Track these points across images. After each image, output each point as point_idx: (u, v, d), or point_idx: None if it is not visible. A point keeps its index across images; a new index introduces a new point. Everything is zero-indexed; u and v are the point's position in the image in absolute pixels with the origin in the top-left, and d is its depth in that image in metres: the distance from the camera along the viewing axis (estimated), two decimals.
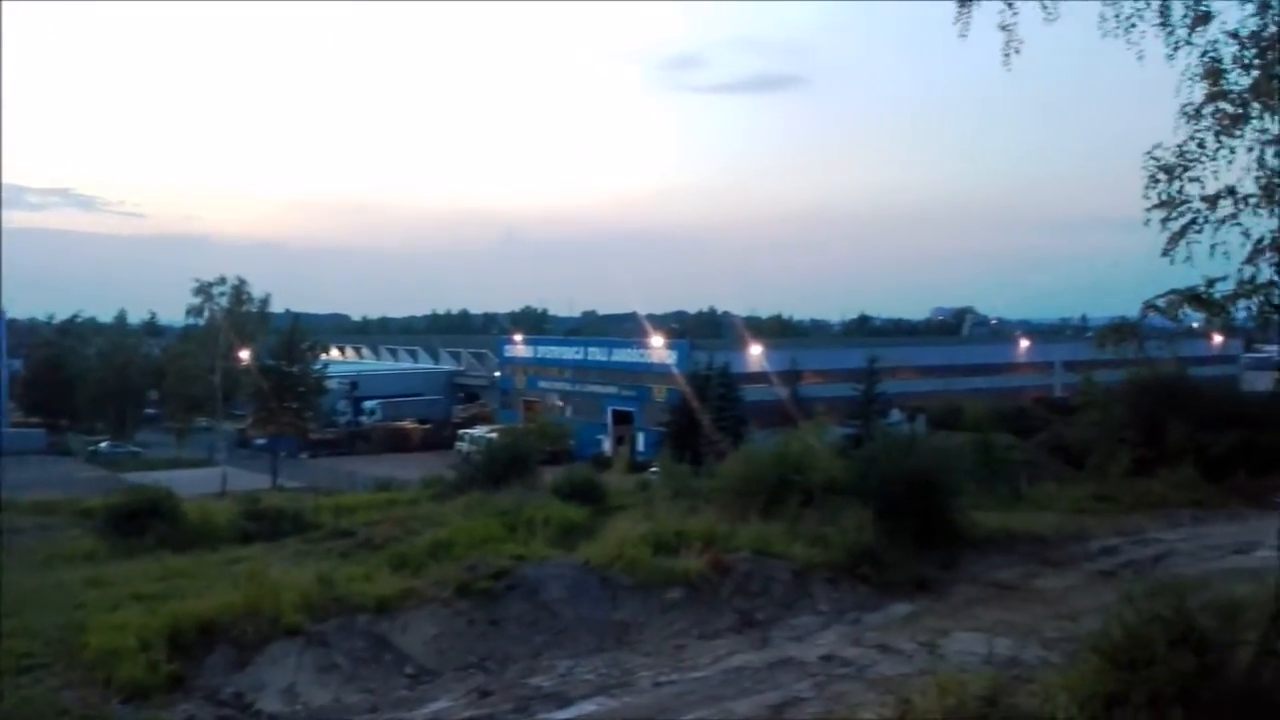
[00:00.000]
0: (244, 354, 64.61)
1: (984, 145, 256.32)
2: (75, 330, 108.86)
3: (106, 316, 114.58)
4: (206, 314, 66.75)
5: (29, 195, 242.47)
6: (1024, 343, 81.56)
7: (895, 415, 55.15)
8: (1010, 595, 19.67)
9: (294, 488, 49.46)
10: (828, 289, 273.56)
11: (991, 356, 78.10)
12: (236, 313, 65.92)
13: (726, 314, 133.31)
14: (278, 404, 61.50)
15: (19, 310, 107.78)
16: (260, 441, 66.35)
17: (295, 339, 63.58)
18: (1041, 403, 59.18)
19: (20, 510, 36.53)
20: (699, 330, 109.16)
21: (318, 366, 65.50)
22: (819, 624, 17.81)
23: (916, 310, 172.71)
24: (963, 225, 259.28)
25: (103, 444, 74.05)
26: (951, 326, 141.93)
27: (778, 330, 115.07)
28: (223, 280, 66.21)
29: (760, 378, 59.75)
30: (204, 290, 65.91)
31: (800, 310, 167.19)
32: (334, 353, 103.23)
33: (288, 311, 80.00)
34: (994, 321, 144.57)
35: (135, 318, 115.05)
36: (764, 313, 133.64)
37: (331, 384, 72.52)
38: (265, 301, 67.70)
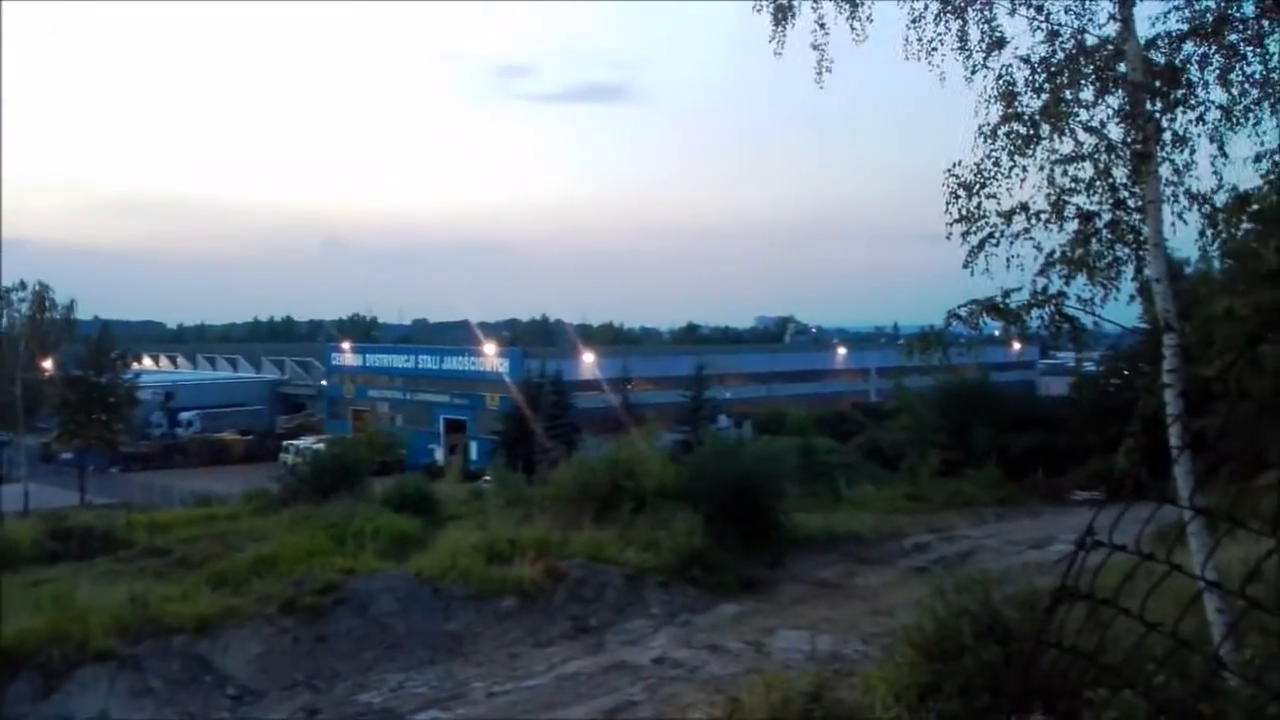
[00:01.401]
0: (47, 364, 60.65)
1: (806, 160, 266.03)
2: None
3: None
4: (4, 321, 62.42)
5: None
6: (841, 350, 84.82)
7: (723, 420, 56.37)
8: (832, 593, 20.40)
9: (104, 504, 46.61)
10: (657, 298, 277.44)
11: (812, 363, 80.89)
12: (38, 319, 61.77)
13: (558, 322, 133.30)
14: (85, 416, 57.92)
15: None
16: (67, 456, 62.14)
17: (103, 347, 60.05)
18: (858, 407, 61.68)
19: None
20: (531, 338, 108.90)
21: (129, 376, 62.01)
22: (651, 627, 18.01)
23: (742, 319, 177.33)
24: (785, 237, 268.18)
25: None
26: (774, 334, 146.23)
27: (609, 338, 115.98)
28: (22, 285, 61.97)
29: (592, 385, 60.05)
30: (2, 297, 61.66)
31: (631, 319, 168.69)
32: (147, 362, 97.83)
33: (96, 319, 75.33)
34: (814, 330, 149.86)
35: None
36: (595, 321, 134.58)
37: (145, 394, 68.72)
38: (71, 308, 63.65)
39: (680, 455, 27.93)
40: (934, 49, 10.46)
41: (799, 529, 23.17)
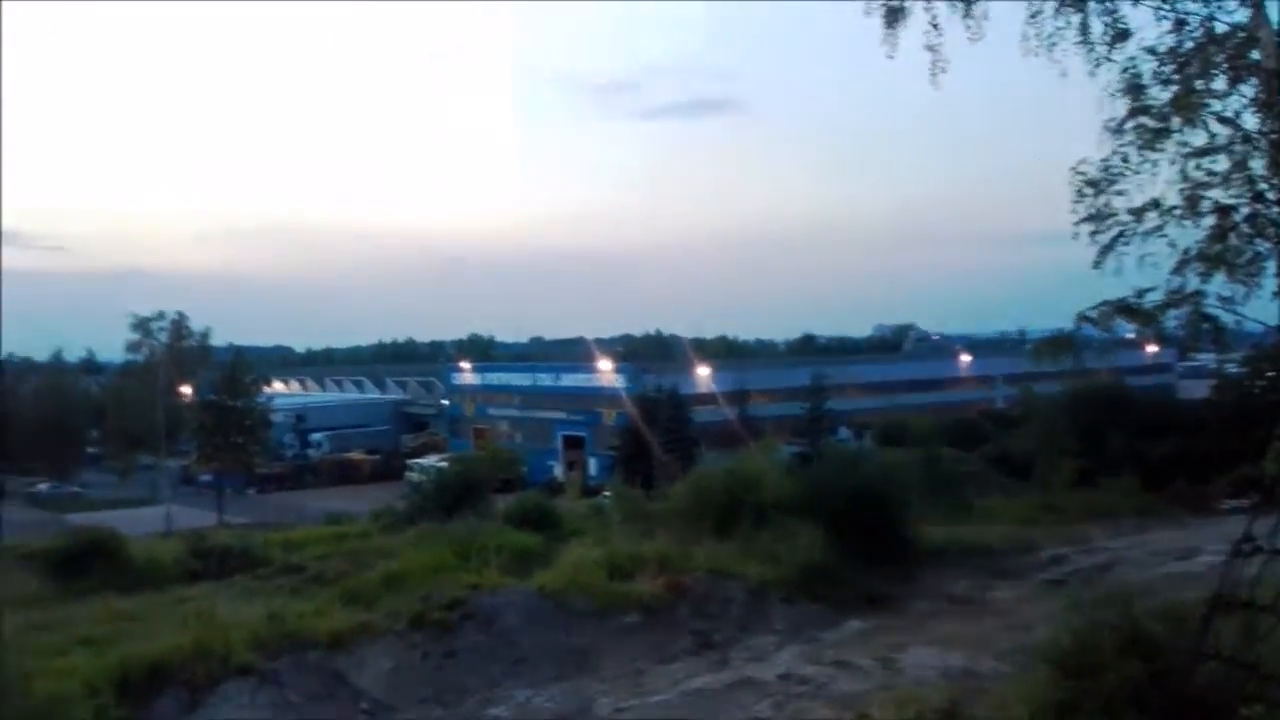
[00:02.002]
0: (186, 389, 63.71)
1: (921, 162, 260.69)
2: (9, 370, 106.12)
3: (42, 355, 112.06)
4: (146, 350, 65.89)
5: None
6: (965, 357, 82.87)
7: (843, 432, 55.69)
8: (963, 608, 19.87)
9: (241, 524, 48.64)
10: (772, 309, 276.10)
11: (934, 372, 79.29)
12: (177, 348, 65.19)
13: (673, 336, 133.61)
14: (222, 439, 60.67)
15: None
16: (205, 478, 65.25)
17: (238, 373, 62.81)
18: (984, 416, 60.08)
19: None
20: (646, 353, 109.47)
21: (262, 400, 64.75)
22: (776, 643, 17.84)
23: (859, 328, 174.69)
24: (902, 242, 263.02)
25: (42, 486, 72.24)
26: (893, 343, 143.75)
27: (724, 351, 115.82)
28: (161, 315, 65.69)
29: (708, 399, 60.03)
30: (142, 325, 65.24)
31: (745, 331, 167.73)
32: (278, 385, 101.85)
33: (230, 345, 78.93)
34: (935, 337, 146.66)
35: (72, 356, 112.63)
36: (709, 334, 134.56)
37: (277, 417, 71.62)
38: (206, 335, 67.12)
39: (800, 468, 27.67)
40: (1054, 43, 10.19)
41: (926, 542, 22.65)
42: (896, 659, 15.98)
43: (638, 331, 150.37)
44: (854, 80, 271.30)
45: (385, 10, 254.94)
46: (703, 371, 63.97)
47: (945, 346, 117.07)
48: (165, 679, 14.50)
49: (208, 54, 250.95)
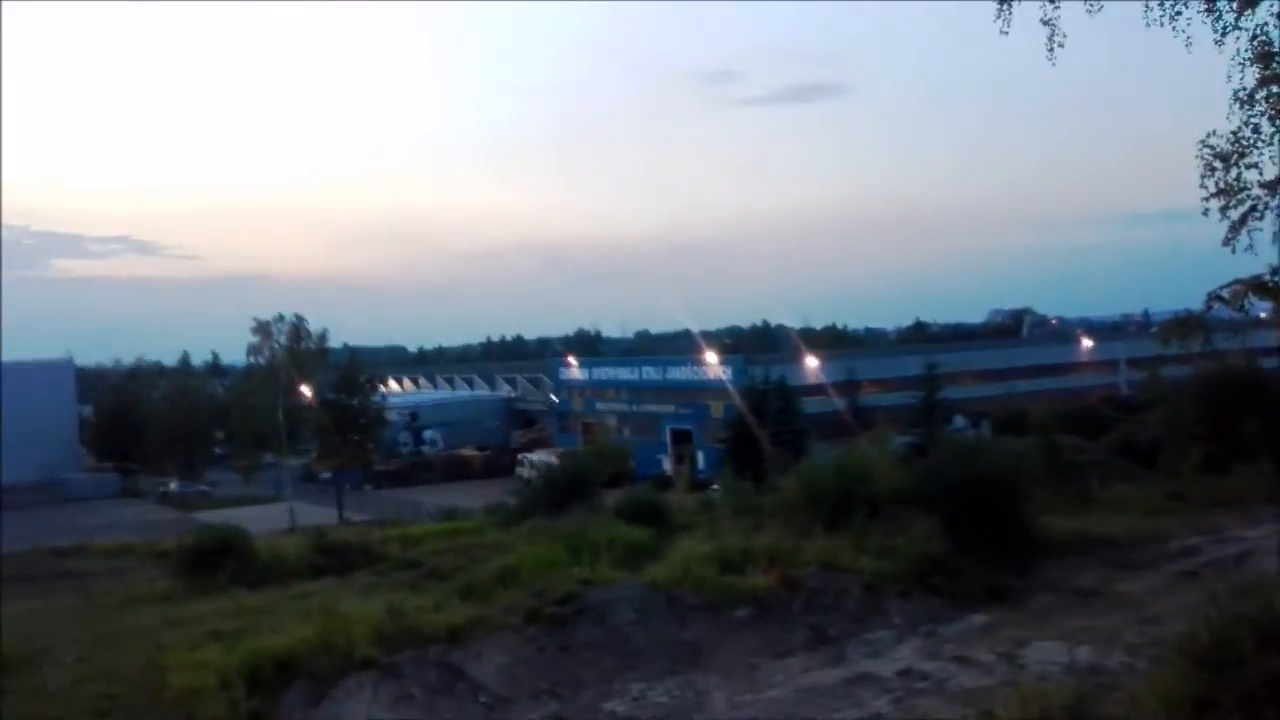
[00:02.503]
0: (305, 389, 65.81)
1: (1033, 142, 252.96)
2: (141, 374, 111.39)
3: (170, 359, 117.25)
4: (267, 352, 68.35)
5: (89, 244, 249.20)
6: (1086, 341, 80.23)
7: (958, 421, 54.50)
8: (1089, 601, 19.23)
9: (360, 520, 50.12)
10: (881, 297, 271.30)
11: (1053, 357, 76.94)
12: (296, 350, 67.35)
13: (780, 327, 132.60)
14: (340, 437, 62.49)
15: (86, 357, 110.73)
16: (325, 475, 67.40)
17: (354, 372, 64.58)
18: (1108, 402, 58.06)
19: (95, 554, 37.45)
20: (753, 345, 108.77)
21: (377, 399, 66.43)
22: (893, 638, 17.54)
23: (973, 313, 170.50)
24: (1015, 225, 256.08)
25: (173, 485, 75.68)
26: (1010, 328, 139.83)
27: (832, 341, 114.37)
28: (280, 318, 67.95)
29: (818, 390, 59.40)
30: (263, 329, 67.66)
31: (854, 319, 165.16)
32: (392, 384, 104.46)
33: (345, 346, 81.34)
34: (1054, 321, 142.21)
35: (198, 359, 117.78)
36: (817, 324, 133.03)
37: (392, 415, 73.49)
38: (323, 337, 69.12)
39: (914, 458, 27.17)
40: (1178, 12, 9.75)
41: (1049, 533, 21.98)
42: (1019, 654, 15.55)
43: (744, 323, 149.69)
44: (960, 60, 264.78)
45: (485, 5, 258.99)
46: (811, 362, 63.32)
47: (1064, 331, 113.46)
48: (292, 672, 15.01)
49: (329, 65, 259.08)
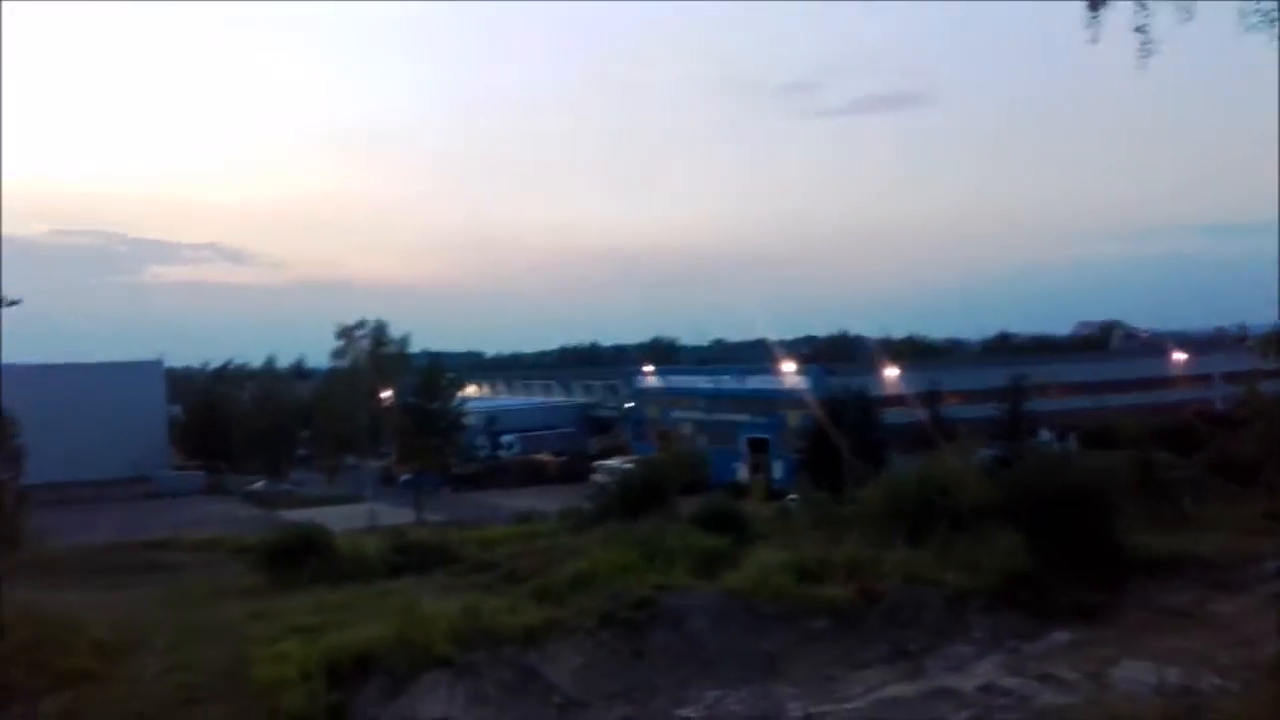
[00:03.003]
0: (386, 393, 66.93)
1: (1123, 149, 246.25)
2: (228, 376, 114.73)
3: (257, 362, 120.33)
4: (349, 356, 69.51)
5: (181, 250, 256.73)
6: (1178, 355, 77.82)
7: (1044, 435, 53.27)
8: (1180, 621, 18.65)
9: (438, 521, 50.70)
10: (964, 307, 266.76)
11: (1144, 370, 74.78)
12: (378, 354, 68.44)
13: (858, 337, 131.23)
14: (420, 440, 63.31)
15: (176, 359, 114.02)
16: (405, 477, 68.42)
17: (434, 377, 65.39)
18: (1201, 417, 56.15)
19: (183, 548, 38.52)
20: (831, 354, 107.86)
21: (456, 403, 67.13)
22: (974, 653, 17.23)
23: (1059, 325, 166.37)
24: (1102, 236, 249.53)
25: (258, 483, 77.59)
26: (1098, 341, 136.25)
27: (913, 351, 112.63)
28: (363, 323, 68.93)
29: (898, 400, 58.56)
30: (346, 333, 68.76)
31: (936, 330, 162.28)
32: (470, 389, 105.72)
33: (425, 351, 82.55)
34: (1144, 334, 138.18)
35: (284, 362, 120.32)
36: (897, 334, 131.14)
37: (470, 420, 74.26)
38: (404, 342, 70.05)
39: (998, 471, 26.63)
40: (1277, 17, 9.39)
41: (1140, 551, 21.37)
42: (1106, 673, 15.14)
43: (822, 332, 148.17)
44: (1045, 67, 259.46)
45: (564, 12, 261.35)
46: (891, 372, 62.49)
47: (1155, 344, 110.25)
48: (371, 667, 15.30)
49: (408, 76, 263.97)
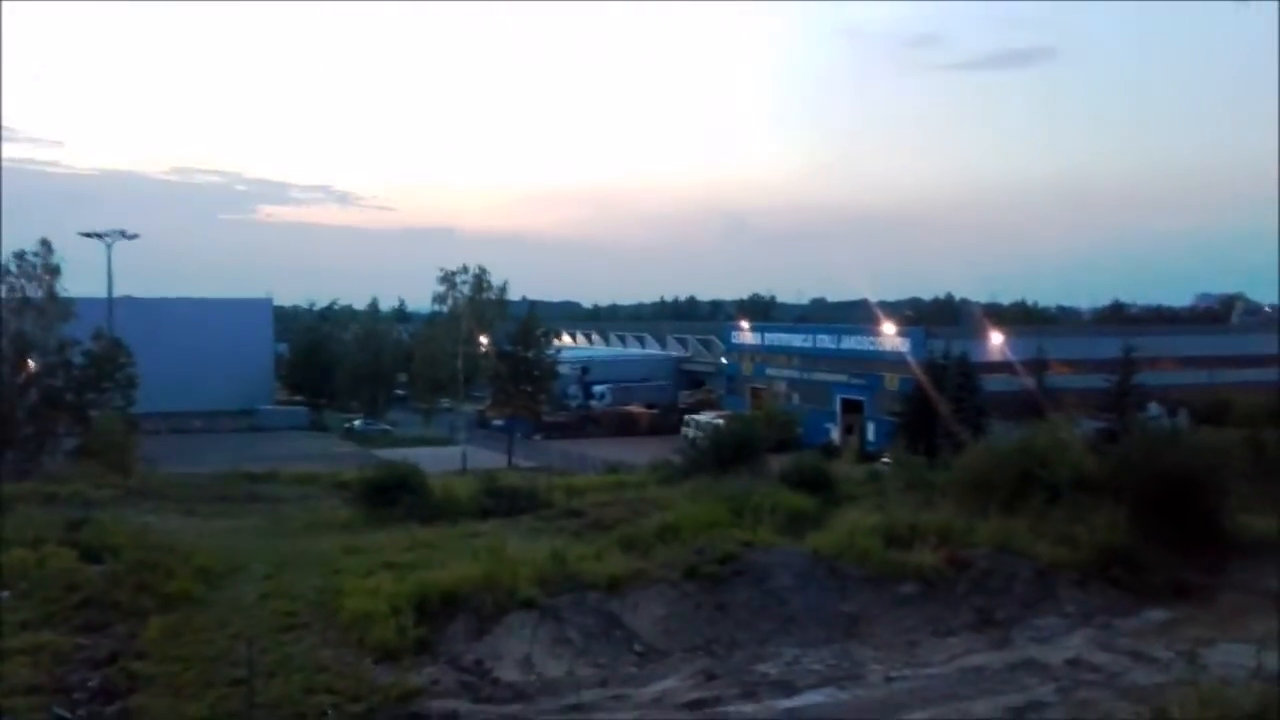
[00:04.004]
0: (484, 339, 68.02)
1: (1253, 113, 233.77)
2: (333, 317, 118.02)
3: (360, 304, 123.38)
4: (450, 301, 70.67)
5: (293, 191, 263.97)
6: None
7: (1153, 409, 51.58)
8: None
9: (528, 467, 51.72)
10: (1077, 274, 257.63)
11: (1266, 347, 71.57)
12: (477, 300, 69.43)
13: (964, 301, 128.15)
14: (514, 387, 64.35)
15: (284, 298, 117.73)
16: (497, 422, 69.67)
17: (531, 325, 66.22)
18: None
19: (284, 481, 40.05)
20: (934, 318, 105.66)
21: (551, 352, 67.92)
22: (1064, 626, 16.95)
23: (1178, 296, 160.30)
24: (1229, 203, 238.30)
25: (357, 422, 79.94)
26: (1218, 314, 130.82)
27: (1021, 318, 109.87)
28: (465, 270, 69.88)
29: (1002, 367, 57.26)
30: (448, 279, 69.86)
31: (1046, 296, 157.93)
32: (566, 339, 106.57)
33: (524, 299, 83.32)
34: (1268, 309, 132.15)
35: (386, 305, 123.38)
36: (1005, 299, 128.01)
37: (564, 369, 75.09)
38: (503, 289, 70.86)
39: (1103, 444, 25.96)
40: None
41: (1246, 532, 20.66)
42: (1201, 654, 14.72)
43: (926, 295, 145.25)
44: (1174, 26, 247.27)
45: None
46: (996, 337, 61.08)
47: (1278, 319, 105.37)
48: (458, 605, 15.75)
49: (521, 39, 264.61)
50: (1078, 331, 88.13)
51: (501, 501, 27.64)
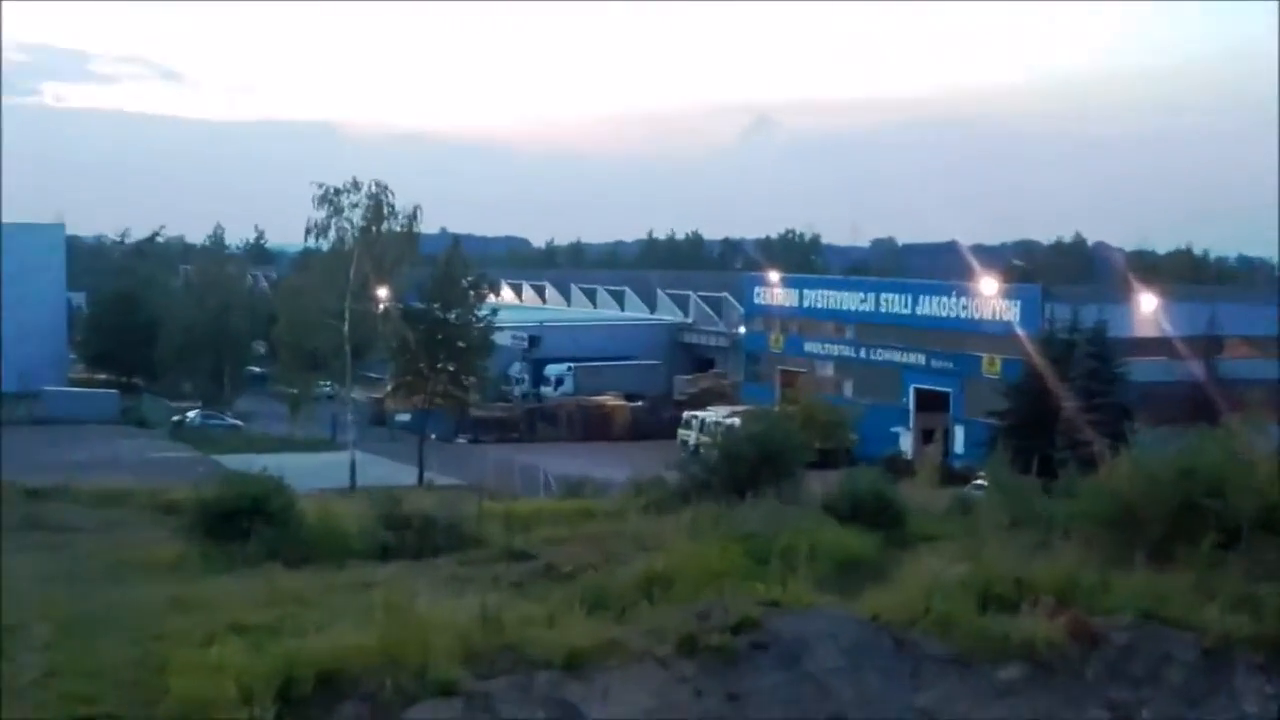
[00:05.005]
0: (383, 293, 67.38)
1: None
2: (155, 254, 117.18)
3: (197, 236, 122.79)
4: (332, 234, 69.69)
5: (97, 63, 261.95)
6: None
7: None
8: None
9: (448, 485, 51.50)
10: (1268, 213, 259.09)
11: None
12: (374, 233, 68.59)
13: (1100, 246, 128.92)
14: (428, 365, 64.19)
15: (82, 226, 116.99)
16: (403, 417, 69.72)
17: (454, 272, 65.89)
18: None
19: (81, 500, 39.69)
20: (1056, 271, 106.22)
21: (484, 313, 67.64)
22: None
23: None
24: None
25: (191, 413, 79.56)
26: None
27: (1187, 272, 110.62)
28: (355, 185, 68.69)
29: (1156, 346, 57.67)
30: (329, 200, 68.51)
31: (1223, 244, 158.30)
32: (507, 294, 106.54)
33: (444, 233, 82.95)
34: None
35: (236, 238, 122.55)
36: (1162, 245, 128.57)
37: (503, 339, 75.00)
38: (414, 218, 69.87)
39: None
40: None
41: None
42: None
43: (1044, 237, 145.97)
44: None
45: None
46: (1148, 302, 61.40)
47: None
48: (342, 689, 15.65)
49: None
50: (1268, 295, 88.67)
51: (409, 536, 27.61)
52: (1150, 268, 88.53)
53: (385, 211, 68.30)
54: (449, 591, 20.89)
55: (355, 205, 68.08)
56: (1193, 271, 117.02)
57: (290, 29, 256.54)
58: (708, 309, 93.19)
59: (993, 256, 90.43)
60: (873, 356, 70.66)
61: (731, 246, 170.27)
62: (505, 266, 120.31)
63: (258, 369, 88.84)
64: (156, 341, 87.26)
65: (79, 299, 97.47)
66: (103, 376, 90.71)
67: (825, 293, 79.28)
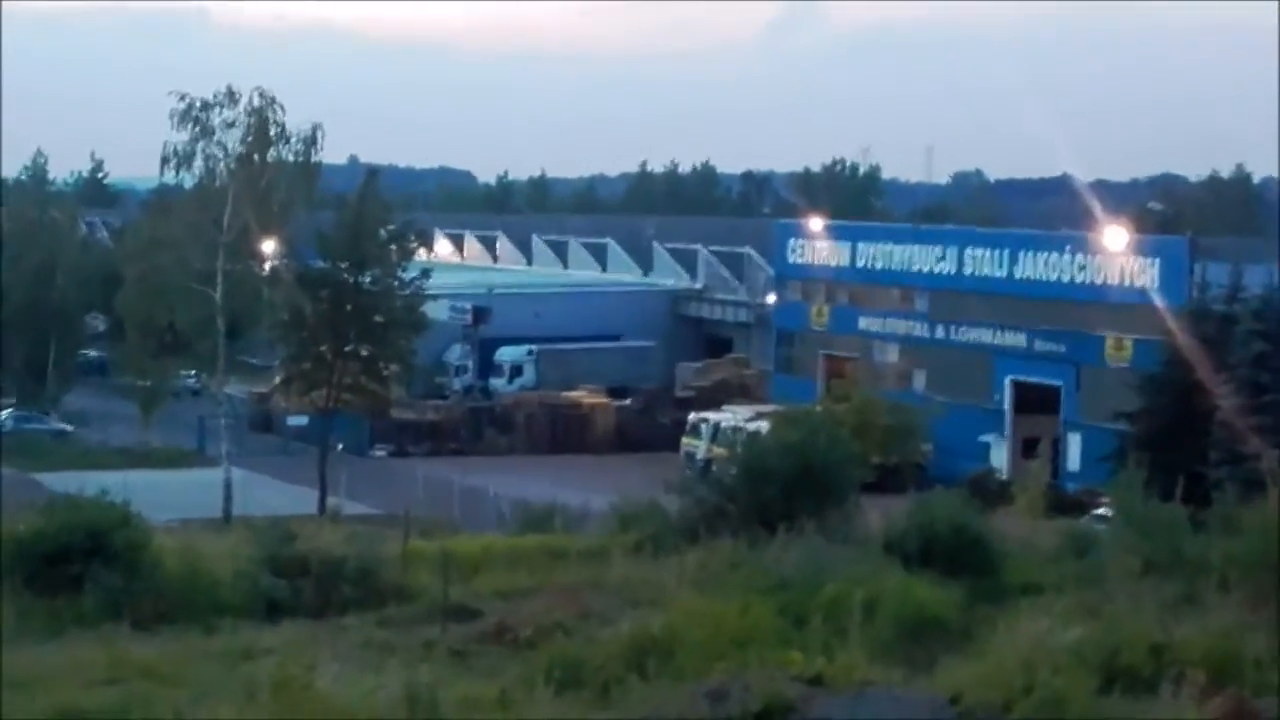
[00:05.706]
0: (269, 247, 67.18)
1: None
2: None
3: (9, 168, 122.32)
4: (199, 166, 69.31)
5: None
6: None
7: None
8: None
9: (361, 515, 51.59)
10: None
11: None
12: (255, 164, 68.22)
13: (1270, 184, 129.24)
14: (333, 348, 64.12)
15: None
16: (298, 421, 69.71)
17: (368, 219, 65.75)
18: None
19: None
20: (1210, 217, 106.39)
21: (412, 275, 67.53)
22: None
23: None
24: None
25: (3, 413, 79.45)
26: None
27: None
28: (230, 97, 68.16)
29: None
30: (194, 116, 68.09)
31: None
32: (444, 248, 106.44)
33: (355, 163, 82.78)
34: None
35: (64, 171, 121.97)
36: None
37: (437, 311, 74.95)
38: (312, 142, 69.53)
39: None
40: None
41: None
42: None
43: (1192, 173, 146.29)
44: None
45: None
46: None
47: None
48: None
49: None
50: None
51: (306, 587, 27.63)
52: None
53: (273, 133, 67.88)
54: (363, 663, 20.91)
55: (231, 124, 67.52)
56: None
57: None
58: (723, 270, 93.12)
59: (1121, 197, 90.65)
60: (954, 337, 70.72)
61: (756, 183, 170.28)
62: (441, 210, 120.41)
63: (94, 353, 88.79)
64: None
65: None
66: None
67: (887, 247, 78.92)
